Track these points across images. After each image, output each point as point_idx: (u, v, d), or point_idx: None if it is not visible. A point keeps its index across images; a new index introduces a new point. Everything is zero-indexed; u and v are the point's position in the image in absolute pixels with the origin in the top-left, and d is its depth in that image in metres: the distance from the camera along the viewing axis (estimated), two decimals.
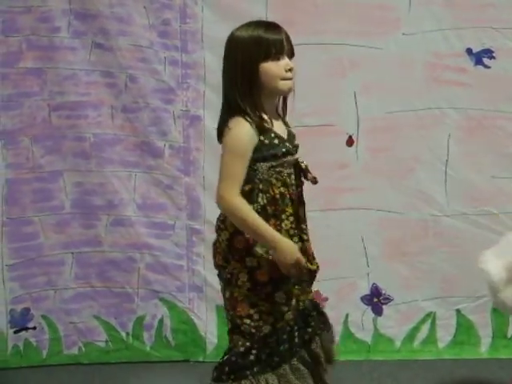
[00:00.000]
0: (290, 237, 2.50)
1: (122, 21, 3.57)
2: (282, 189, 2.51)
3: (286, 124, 2.62)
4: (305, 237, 2.60)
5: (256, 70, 2.47)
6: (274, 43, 2.49)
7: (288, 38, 2.54)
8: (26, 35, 3.57)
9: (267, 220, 2.47)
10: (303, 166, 2.60)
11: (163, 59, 3.62)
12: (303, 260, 2.49)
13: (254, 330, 2.52)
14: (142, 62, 3.60)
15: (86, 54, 3.60)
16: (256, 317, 2.52)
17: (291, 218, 2.52)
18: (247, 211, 2.44)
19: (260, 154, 2.48)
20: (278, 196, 2.50)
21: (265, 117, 2.49)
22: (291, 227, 2.52)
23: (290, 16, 3.50)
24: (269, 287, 2.51)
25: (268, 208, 2.49)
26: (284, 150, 2.52)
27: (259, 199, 2.49)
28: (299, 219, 2.57)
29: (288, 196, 2.53)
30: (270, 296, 2.52)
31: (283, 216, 2.51)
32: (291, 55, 2.54)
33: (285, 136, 2.56)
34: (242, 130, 2.46)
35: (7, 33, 3.56)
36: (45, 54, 3.58)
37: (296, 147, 2.60)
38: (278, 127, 2.55)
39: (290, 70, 2.51)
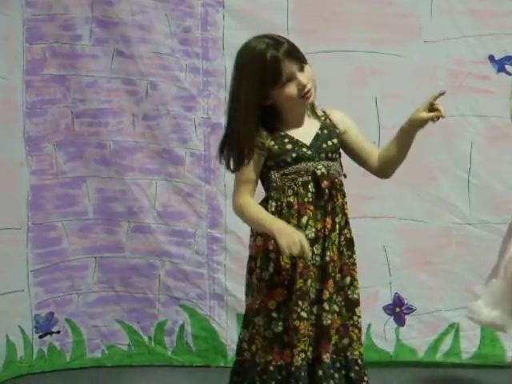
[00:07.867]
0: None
1: (143, 28, 3.59)
2: (291, 198, 2.44)
3: (321, 119, 2.53)
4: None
5: (266, 96, 2.42)
6: (281, 71, 2.39)
7: (295, 49, 2.43)
8: (49, 43, 3.61)
9: None
10: (318, 173, 2.45)
11: (184, 66, 3.63)
12: (302, 240, 2.33)
13: None
14: (163, 69, 3.62)
15: (108, 62, 3.62)
16: None
17: None
18: (247, 207, 2.44)
19: (272, 161, 2.46)
20: (284, 205, 2.45)
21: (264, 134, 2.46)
22: None
23: (311, 24, 3.52)
24: None
25: (276, 216, 2.45)
26: (294, 155, 2.44)
27: (269, 207, 2.46)
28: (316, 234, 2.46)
29: (296, 207, 2.44)
30: None
31: None
32: (302, 63, 2.43)
33: (307, 140, 2.47)
34: None
35: (31, 40, 3.60)
36: (67, 61, 3.62)
37: (325, 149, 2.47)
38: (303, 130, 2.48)
39: (304, 86, 2.41)
